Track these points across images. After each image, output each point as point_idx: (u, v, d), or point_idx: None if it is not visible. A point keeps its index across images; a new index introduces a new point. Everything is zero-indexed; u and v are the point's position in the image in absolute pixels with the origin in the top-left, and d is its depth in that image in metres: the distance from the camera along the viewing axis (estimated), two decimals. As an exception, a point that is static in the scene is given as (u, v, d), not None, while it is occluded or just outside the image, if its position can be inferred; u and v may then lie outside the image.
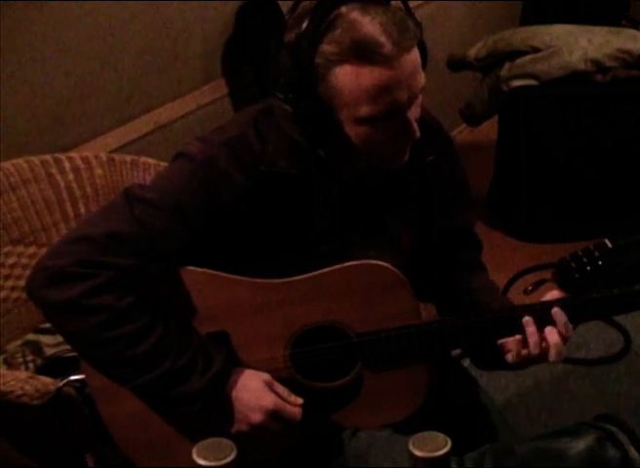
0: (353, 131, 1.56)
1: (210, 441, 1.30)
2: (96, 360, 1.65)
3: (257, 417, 1.63)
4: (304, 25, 1.48)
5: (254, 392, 1.64)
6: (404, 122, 1.55)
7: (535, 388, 3.01)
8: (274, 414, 1.64)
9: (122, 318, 1.59)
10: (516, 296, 3.31)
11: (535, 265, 3.51)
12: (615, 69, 3.57)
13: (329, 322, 1.69)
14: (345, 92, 1.50)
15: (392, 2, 1.55)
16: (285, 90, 1.53)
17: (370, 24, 1.47)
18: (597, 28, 3.70)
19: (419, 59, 1.53)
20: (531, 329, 1.62)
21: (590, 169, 3.73)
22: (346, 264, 1.66)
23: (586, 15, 4.10)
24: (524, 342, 1.63)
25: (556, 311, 1.62)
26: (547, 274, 3.35)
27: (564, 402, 2.98)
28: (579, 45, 3.57)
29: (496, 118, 3.95)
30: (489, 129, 4.12)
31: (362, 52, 1.47)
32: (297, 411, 1.65)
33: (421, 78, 1.55)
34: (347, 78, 1.49)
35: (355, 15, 1.48)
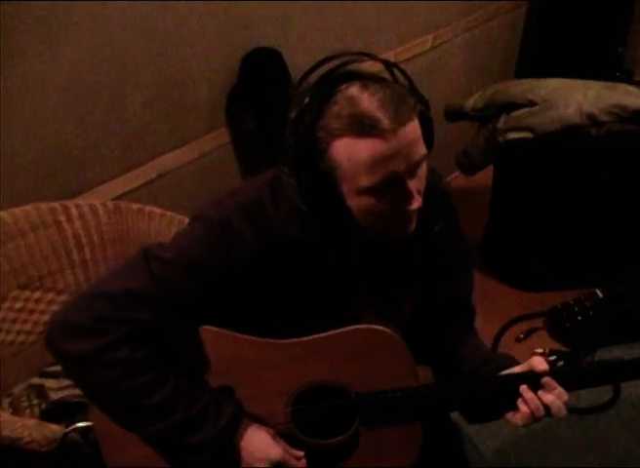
0: (355, 202, 1.59)
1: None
2: (110, 410, 1.70)
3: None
4: (306, 101, 1.53)
5: (261, 443, 1.70)
6: (404, 192, 1.57)
7: (525, 435, 3.04)
8: (279, 466, 1.69)
9: (136, 371, 1.63)
10: (508, 344, 3.37)
11: (527, 314, 3.51)
12: (609, 123, 3.59)
13: (330, 381, 1.74)
14: (345, 164, 1.53)
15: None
16: (289, 164, 1.57)
17: (367, 100, 1.51)
18: (592, 83, 3.73)
19: (417, 131, 1.56)
20: (529, 395, 1.67)
21: (584, 218, 3.75)
22: (349, 328, 1.72)
23: (581, 67, 4.15)
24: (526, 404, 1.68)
25: (547, 380, 1.66)
26: (539, 322, 3.40)
27: (555, 449, 3.00)
28: (574, 99, 3.60)
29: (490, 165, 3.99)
30: (483, 175, 4.15)
31: (359, 126, 1.50)
32: (300, 466, 1.71)
33: (421, 149, 1.57)
34: (346, 150, 1.52)
35: (354, 90, 1.53)
